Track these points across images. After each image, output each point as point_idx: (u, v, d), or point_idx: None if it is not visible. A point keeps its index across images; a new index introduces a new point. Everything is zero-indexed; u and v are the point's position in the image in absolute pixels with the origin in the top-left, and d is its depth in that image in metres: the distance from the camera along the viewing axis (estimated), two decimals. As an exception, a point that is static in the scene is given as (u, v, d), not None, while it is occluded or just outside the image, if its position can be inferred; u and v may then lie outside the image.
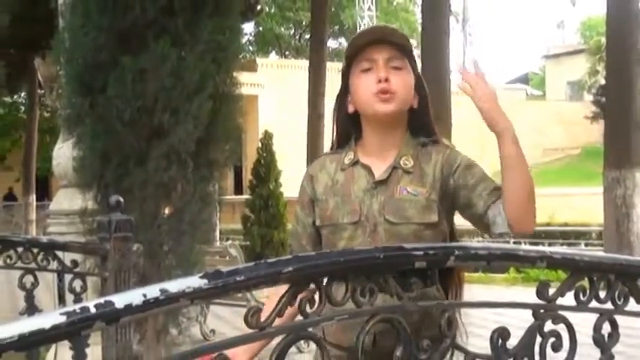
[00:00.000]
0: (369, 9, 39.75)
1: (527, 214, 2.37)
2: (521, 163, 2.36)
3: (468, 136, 23.54)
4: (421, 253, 2.22)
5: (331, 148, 2.78)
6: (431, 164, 2.59)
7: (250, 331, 1.87)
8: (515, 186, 2.37)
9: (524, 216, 2.36)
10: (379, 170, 2.60)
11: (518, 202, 2.36)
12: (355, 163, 2.65)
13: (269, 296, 2.61)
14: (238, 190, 30.53)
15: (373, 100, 2.58)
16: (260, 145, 20.57)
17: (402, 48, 2.66)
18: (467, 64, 2.39)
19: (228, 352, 2.57)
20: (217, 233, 9.36)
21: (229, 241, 13.48)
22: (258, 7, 24.71)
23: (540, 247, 2.42)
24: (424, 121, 2.70)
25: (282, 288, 1.93)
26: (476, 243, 2.43)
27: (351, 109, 2.67)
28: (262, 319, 1.81)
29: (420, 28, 21.40)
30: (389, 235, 2.54)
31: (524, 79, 61.66)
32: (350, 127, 2.71)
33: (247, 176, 24.34)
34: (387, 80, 2.58)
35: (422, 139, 2.68)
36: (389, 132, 2.63)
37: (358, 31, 2.73)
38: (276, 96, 37.52)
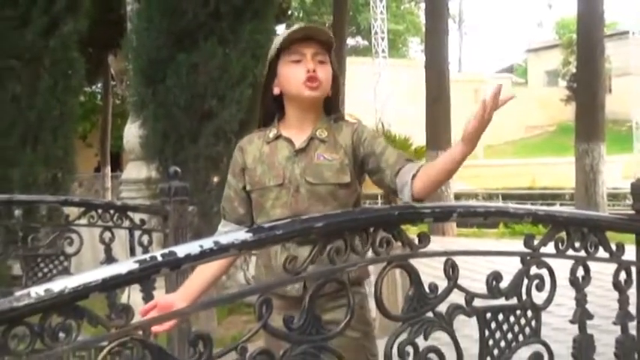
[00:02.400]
0: (381, 12, 39.36)
1: (430, 190, 2.41)
2: (457, 164, 2.38)
3: (462, 116, 23.40)
4: (429, 210, 2.20)
5: (258, 127, 2.77)
6: (342, 135, 2.62)
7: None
8: (441, 180, 2.43)
9: (428, 190, 2.40)
10: (299, 141, 2.62)
11: (434, 188, 2.41)
12: (278, 137, 2.66)
13: None
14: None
15: (302, 88, 2.60)
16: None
17: (326, 46, 2.65)
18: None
19: (167, 298, 2.62)
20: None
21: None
22: (289, 12, 24.69)
23: (526, 205, 2.42)
24: (335, 104, 2.73)
25: None
26: (474, 202, 2.41)
27: (276, 91, 2.68)
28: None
29: (423, 29, 21.32)
30: (309, 194, 2.57)
31: (510, 69, 61.25)
32: (273, 108, 2.71)
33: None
34: (314, 71, 2.59)
35: (333, 116, 2.71)
36: (308, 111, 2.66)
37: (291, 28, 2.70)
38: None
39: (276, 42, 2.71)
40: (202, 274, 2.60)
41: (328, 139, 2.61)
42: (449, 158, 2.39)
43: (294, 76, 2.61)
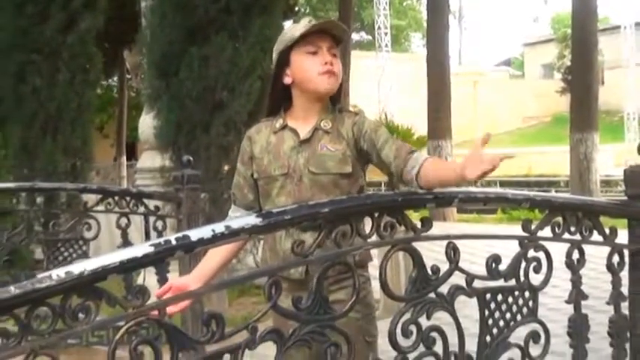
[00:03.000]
0: (384, 9, 39.11)
1: (434, 184, 2.36)
2: (452, 182, 2.33)
3: (462, 107, 23.38)
4: (431, 196, 2.21)
5: (267, 115, 2.75)
6: (344, 126, 2.59)
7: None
8: (443, 176, 2.32)
9: (433, 184, 2.35)
10: (304, 131, 2.60)
11: (436, 178, 2.34)
12: (284, 127, 2.64)
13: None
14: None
15: (319, 79, 2.57)
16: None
17: (338, 41, 2.64)
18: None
19: (181, 280, 2.62)
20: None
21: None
22: (296, 8, 24.64)
23: (524, 192, 2.41)
24: (338, 96, 2.70)
25: None
26: (474, 188, 2.40)
27: (288, 81, 2.65)
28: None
29: (425, 24, 21.27)
30: (312, 183, 2.55)
31: (508, 63, 61.07)
32: (281, 99, 2.69)
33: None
34: (332, 64, 2.57)
35: (337, 107, 2.68)
36: (315, 103, 2.63)
37: (302, 21, 2.68)
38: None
39: (291, 33, 2.67)
40: (214, 258, 2.60)
41: (332, 130, 2.59)
42: (446, 178, 2.33)
43: (311, 67, 2.58)
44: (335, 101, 2.69)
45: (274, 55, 2.72)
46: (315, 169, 2.55)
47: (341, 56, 2.75)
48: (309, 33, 2.60)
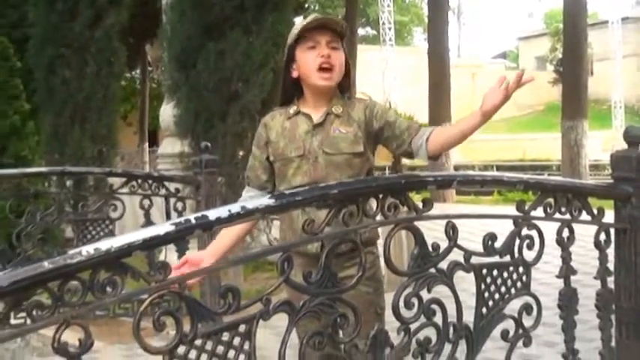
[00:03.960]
0: (388, 5, 38.89)
1: (443, 149, 2.41)
2: (473, 129, 2.36)
3: (461, 97, 23.31)
4: (432, 179, 2.21)
5: (280, 105, 2.75)
6: (355, 110, 2.59)
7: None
8: (454, 140, 2.40)
9: (442, 149, 2.38)
10: (316, 116, 2.60)
11: (447, 147, 2.39)
12: (298, 113, 2.64)
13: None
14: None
15: (316, 75, 2.57)
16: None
17: (339, 33, 2.62)
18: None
19: (197, 255, 2.61)
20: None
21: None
22: (306, 5, 24.57)
23: (518, 175, 2.42)
24: (347, 84, 2.69)
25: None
26: (472, 172, 2.41)
27: (295, 74, 2.65)
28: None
29: (426, 20, 21.18)
30: (327, 163, 2.55)
31: (503, 55, 60.65)
32: (292, 89, 2.68)
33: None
34: (328, 56, 2.56)
35: (347, 94, 2.68)
36: (324, 92, 2.62)
37: (307, 19, 2.67)
38: (320, 70, 37.06)
39: (294, 30, 2.68)
40: (228, 235, 2.60)
41: (343, 114, 2.59)
42: (466, 123, 2.37)
43: (309, 61, 2.58)
44: (344, 90, 2.69)
45: (285, 51, 2.73)
46: (329, 149, 2.55)
47: (346, 48, 2.74)
48: (311, 29, 2.60)
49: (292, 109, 2.66)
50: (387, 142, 2.60)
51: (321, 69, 2.57)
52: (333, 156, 2.54)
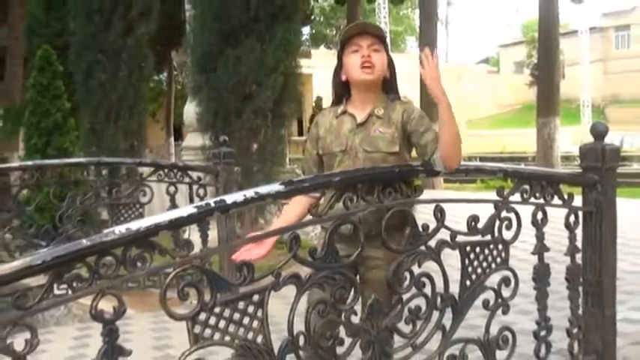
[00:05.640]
0: (384, 17, 38.84)
1: (452, 156, 2.28)
2: (450, 122, 2.26)
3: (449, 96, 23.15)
4: (422, 168, 2.21)
5: (331, 105, 2.71)
6: (395, 112, 2.52)
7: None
8: (446, 136, 2.28)
9: (450, 157, 2.28)
10: (360, 117, 2.55)
11: (446, 147, 2.27)
12: (344, 112, 2.59)
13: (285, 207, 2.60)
14: (300, 133, 30.51)
15: (359, 72, 2.52)
16: (314, 104, 20.19)
17: (379, 37, 2.59)
18: (425, 50, 2.20)
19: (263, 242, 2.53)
20: (287, 160, 9.34)
21: (295, 165, 13.46)
22: (312, 17, 24.52)
23: (498, 164, 2.41)
24: (393, 86, 2.62)
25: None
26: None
27: (343, 77, 2.61)
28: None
29: (418, 30, 21.14)
30: (365, 158, 2.49)
31: (486, 61, 60.34)
32: (342, 90, 2.64)
33: (306, 124, 24.35)
34: (369, 57, 2.51)
35: (391, 95, 2.60)
36: (369, 92, 2.57)
37: (349, 26, 2.63)
38: (324, 74, 37.04)
39: (340, 38, 2.65)
40: (287, 216, 2.57)
41: (384, 116, 2.52)
42: (441, 120, 2.31)
43: (353, 63, 2.54)
44: (389, 90, 2.61)
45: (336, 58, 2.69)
46: (368, 147, 2.49)
47: (389, 51, 2.69)
48: (354, 35, 2.57)
49: (340, 109, 2.61)
50: (414, 147, 2.56)
51: (363, 67, 2.52)
52: (371, 153, 2.47)
